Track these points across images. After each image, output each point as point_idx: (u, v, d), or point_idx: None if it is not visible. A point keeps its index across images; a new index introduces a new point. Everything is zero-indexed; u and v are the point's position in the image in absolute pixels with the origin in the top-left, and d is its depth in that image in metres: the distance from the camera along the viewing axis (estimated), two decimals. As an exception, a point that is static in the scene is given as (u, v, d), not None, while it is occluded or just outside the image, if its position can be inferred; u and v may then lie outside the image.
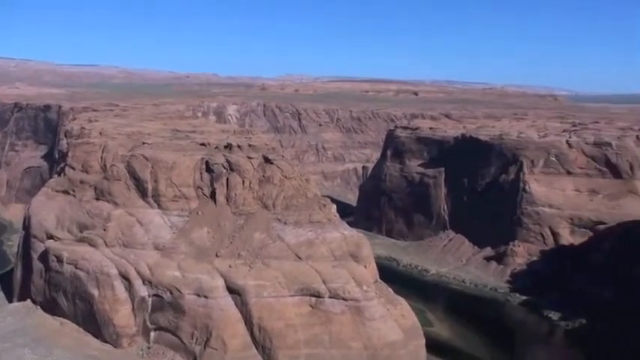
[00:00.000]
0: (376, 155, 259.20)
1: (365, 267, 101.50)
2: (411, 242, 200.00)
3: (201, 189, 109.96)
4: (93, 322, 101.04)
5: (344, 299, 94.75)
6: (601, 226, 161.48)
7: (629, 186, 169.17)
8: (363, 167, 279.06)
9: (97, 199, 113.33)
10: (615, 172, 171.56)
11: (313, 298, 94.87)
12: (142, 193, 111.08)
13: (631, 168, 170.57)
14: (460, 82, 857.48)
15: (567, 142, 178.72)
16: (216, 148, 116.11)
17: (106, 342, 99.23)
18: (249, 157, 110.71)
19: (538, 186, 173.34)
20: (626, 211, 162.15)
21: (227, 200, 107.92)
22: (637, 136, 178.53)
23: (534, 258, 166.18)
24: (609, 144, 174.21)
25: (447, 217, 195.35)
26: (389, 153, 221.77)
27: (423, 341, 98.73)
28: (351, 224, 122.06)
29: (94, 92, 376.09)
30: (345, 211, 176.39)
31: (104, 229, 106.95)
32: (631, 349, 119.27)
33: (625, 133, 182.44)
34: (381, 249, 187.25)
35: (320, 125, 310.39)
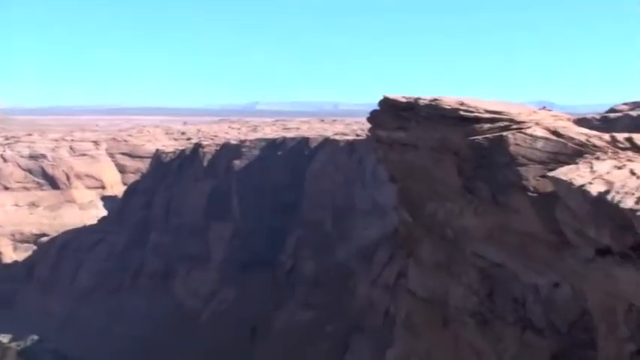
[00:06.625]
0: None
1: None
2: None
3: None
4: None
5: None
6: (44, 238, 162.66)
7: (67, 195, 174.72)
8: None
9: None
10: (53, 183, 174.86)
11: None
12: None
13: (67, 178, 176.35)
14: None
15: (2, 156, 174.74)
16: None
17: None
18: None
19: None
20: (66, 220, 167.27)
21: None
22: (70, 147, 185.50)
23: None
24: (45, 156, 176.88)
25: None
26: None
27: None
28: None
29: None
30: None
31: None
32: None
33: (59, 144, 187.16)
34: None
35: None
